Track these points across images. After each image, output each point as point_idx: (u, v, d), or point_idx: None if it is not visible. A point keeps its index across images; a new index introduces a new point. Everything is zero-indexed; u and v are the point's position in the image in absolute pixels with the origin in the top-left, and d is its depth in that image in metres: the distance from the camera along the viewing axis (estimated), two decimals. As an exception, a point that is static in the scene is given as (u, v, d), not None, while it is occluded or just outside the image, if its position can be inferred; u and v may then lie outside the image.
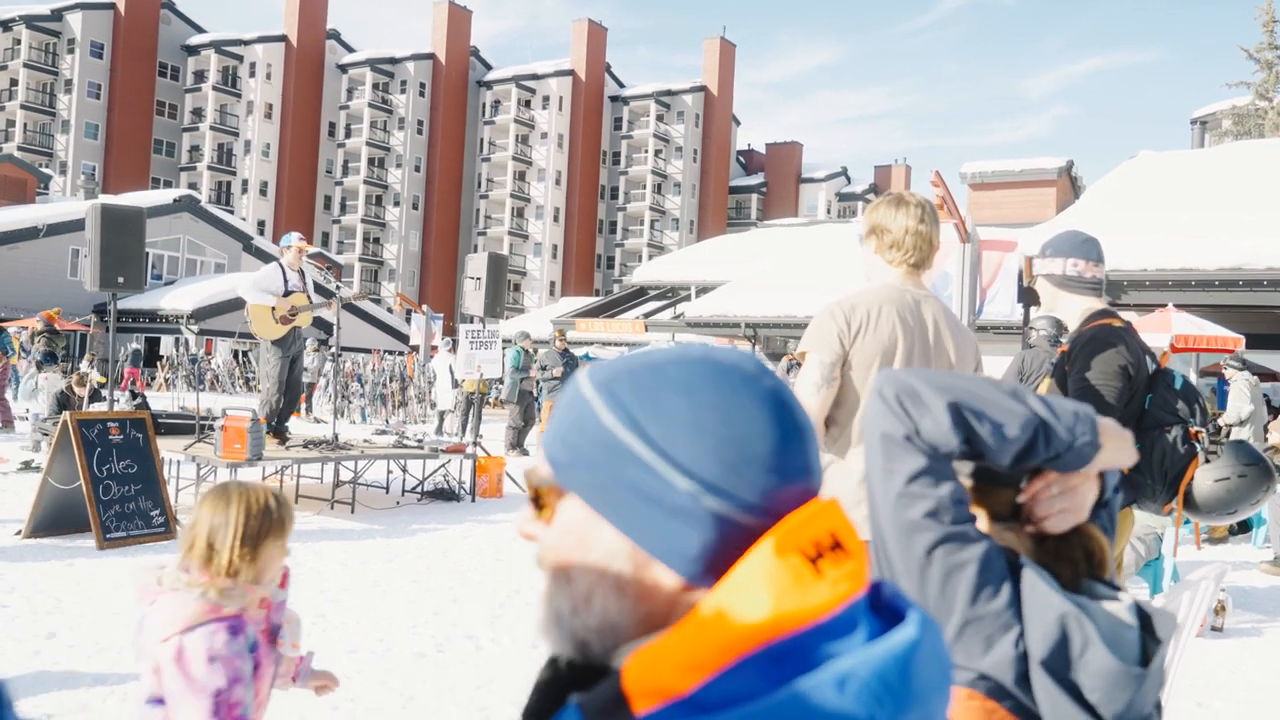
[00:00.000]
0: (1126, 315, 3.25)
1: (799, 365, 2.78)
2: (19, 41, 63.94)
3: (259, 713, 2.08)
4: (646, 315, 31.98)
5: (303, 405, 18.81)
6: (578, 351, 21.54)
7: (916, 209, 2.78)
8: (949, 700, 0.68)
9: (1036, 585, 1.09)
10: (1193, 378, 10.77)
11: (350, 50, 73.69)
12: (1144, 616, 1.12)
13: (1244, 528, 9.21)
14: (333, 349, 10.16)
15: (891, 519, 1.14)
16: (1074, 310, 3.24)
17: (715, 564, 0.67)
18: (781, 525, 0.65)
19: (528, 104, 74.39)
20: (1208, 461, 2.90)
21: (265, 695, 2.11)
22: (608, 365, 0.74)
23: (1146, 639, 1.10)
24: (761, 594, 0.63)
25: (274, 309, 8.64)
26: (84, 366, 12.80)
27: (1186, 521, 3.10)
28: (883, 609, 0.69)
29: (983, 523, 1.22)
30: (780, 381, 0.72)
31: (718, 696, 0.61)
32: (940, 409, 1.09)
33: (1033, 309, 9.91)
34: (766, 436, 0.68)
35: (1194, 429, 2.97)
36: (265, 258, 37.69)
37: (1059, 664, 1.05)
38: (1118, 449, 1.14)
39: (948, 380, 1.14)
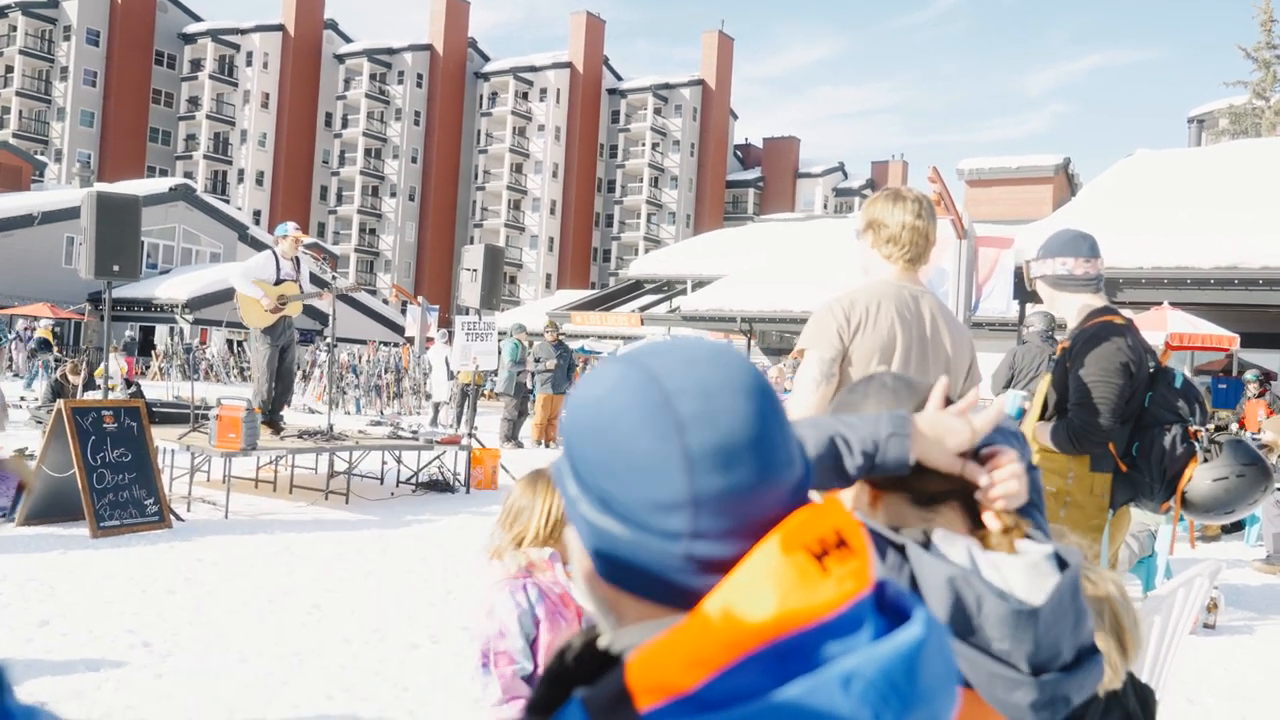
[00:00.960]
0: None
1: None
2: (14, 28, 63.64)
3: None
4: (642, 309, 32.00)
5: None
6: (573, 344, 21.51)
7: (914, 204, 2.76)
8: (955, 700, 0.67)
9: (922, 557, 1.11)
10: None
11: (347, 40, 73.44)
12: (1060, 561, 1.14)
13: (1237, 526, 9.24)
14: (328, 339, 10.15)
15: None
16: (1073, 308, 3.23)
17: (675, 591, 0.69)
18: (787, 523, 0.65)
19: (525, 96, 74.21)
20: (1206, 460, 2.90)
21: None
22: (576, 397, 0.76)
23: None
24: (767, 591, 0.63)
25: (263, 298, 8.62)
26: (113, 358, 12.80)
27: (1181, 519, 3.10)
28: (887, 608, 0.69)
29: (904, 506, 1.24)
30: (682, 391, 0.69)
31: (721, 694, 0.61)
32: None
33: (1028, 305, 9.91)
34: (676, 469, 0.68)
35: (1193, 428, 2.97)
36: (260, 247, 37.40)
37: (963, 625, 1.07)
38: (938, 438, 1.16)
39: None
